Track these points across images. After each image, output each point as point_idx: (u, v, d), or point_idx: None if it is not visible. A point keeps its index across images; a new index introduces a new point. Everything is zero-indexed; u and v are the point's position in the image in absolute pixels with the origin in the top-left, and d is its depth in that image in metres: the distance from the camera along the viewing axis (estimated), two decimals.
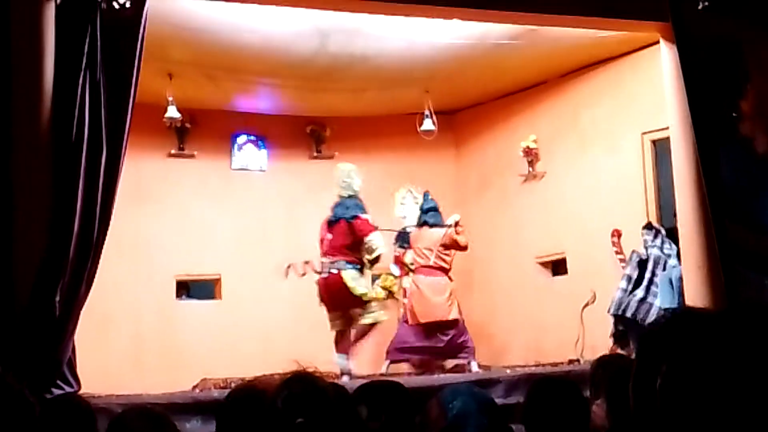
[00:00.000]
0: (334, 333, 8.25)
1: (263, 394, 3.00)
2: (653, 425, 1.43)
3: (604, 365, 4.20)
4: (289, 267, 8.52)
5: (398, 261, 9.20)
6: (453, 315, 8.50)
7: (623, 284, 8.04)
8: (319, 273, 8.15)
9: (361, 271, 8.17)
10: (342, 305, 8.11)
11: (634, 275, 8.06)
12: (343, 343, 8.12)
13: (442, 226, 8.75)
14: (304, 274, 8.43)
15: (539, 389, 3.42)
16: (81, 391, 6.40)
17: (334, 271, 8.03)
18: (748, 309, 1.49)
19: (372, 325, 8.23)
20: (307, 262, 8.38)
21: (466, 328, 8.59)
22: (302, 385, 2.63)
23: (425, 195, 9.07)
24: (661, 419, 1.41)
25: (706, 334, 1.42)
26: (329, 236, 8.17)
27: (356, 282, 8.07)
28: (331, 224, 8.23)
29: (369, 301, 8.16)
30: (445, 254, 8.72)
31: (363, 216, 8.17)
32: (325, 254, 8.18)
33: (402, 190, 9.69)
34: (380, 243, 8.19)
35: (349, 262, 8.07)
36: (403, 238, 9.32)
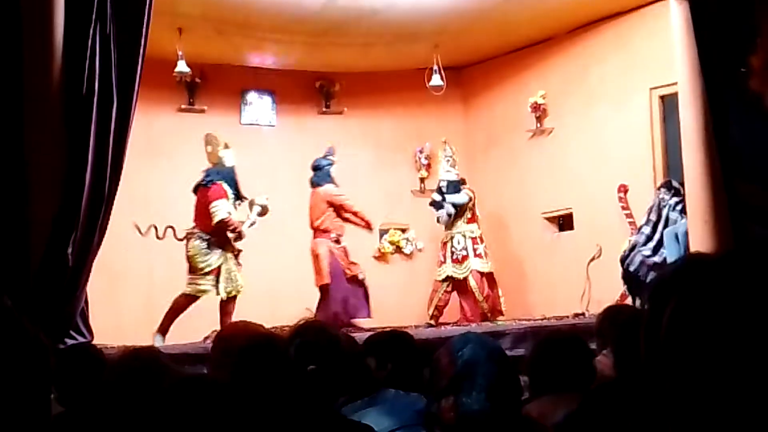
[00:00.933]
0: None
1: (278, 343, 3.05)
2: (662, 372, 1.45)
3: (610, 316, 4.26)
4: (150, 227, 8.42)
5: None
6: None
7: (641, 241, 8.06)
8: (180, 239, 8.16)
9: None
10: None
11: (647, 232, 8.10)
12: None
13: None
14: (161, 238, 8.36)
15: (544, 342, 3.46)
16: (94, 343, 6.53)
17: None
18: (756, 249, 1.50)
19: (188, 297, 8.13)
20: (170, 227, 8.32)
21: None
22: (314, 333, 2.66)
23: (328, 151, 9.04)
24: (667, 361, 1.43)
25: (712, 274, 1.44)
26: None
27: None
28: (194, 191, 8.22)
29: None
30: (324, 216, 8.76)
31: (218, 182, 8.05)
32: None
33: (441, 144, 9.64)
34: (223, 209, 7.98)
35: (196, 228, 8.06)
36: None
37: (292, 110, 10.37)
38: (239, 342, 3.05)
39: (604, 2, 8.63)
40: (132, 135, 6.22)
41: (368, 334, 4.47)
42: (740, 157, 7.02)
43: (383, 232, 10.66)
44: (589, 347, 3.47)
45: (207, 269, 8.01)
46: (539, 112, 9.84)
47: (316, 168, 8.97)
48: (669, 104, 8.48)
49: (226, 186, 8.05)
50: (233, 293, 8.15)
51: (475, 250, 9.10)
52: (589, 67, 9.39)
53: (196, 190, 8.17)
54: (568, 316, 8.69)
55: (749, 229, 6.89)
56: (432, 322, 9.01)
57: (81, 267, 6.00)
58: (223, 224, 7.93)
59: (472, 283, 8.97)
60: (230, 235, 8.05)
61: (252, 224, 8.30)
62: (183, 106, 9.80)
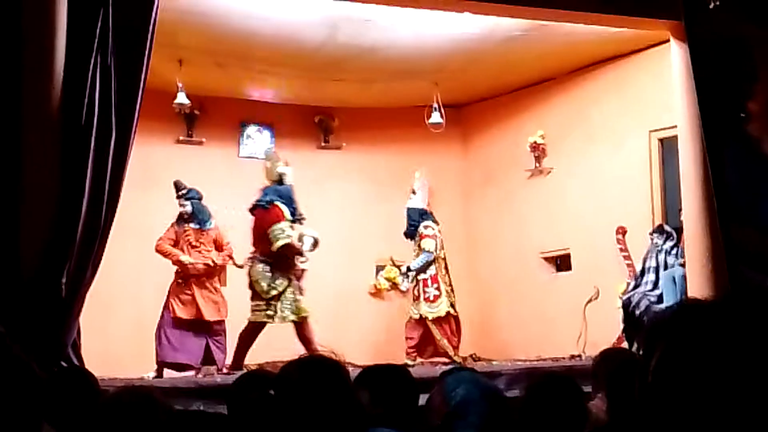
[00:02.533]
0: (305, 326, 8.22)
1: (268, 377, 3.01)
2: (651, 415, 1.44)
3: (606, 359, 4.22)
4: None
5: None
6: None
7: (648, 287, 8.04)
8: (240, 266, 8.12)
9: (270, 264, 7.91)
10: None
11: (652, 278, 8.09)
12: None
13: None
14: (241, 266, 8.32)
15: (537, 384, 3.42)
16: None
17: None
18: (748, 296, 1.50)
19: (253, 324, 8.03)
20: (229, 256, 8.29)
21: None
22: (319, 366, 2.62)
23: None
24: (655, 404, 1.42)
25: (704, 320, 1.43)
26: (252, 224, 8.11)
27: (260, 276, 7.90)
28: (250, 210, 8.15)
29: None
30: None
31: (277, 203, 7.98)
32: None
33: (417, 173, 9.62)
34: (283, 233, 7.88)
35: (255, 252, 7.98)
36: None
37: (290, 144, 10.37)
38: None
39: (604, 45, 8.66)
40: (130, 165, 6.20)
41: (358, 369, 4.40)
42: (737, 201, 7.02)
43: (379, 269, 10.62)
44: (582, 390, 3.43)
45: (273, 293, 7.89)
46: (538, 151, 9.85)
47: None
48: (668, 147, 8.49)
49: (283, 206, 7.96)
50: (303, 316, 8.03)
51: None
52: (588, 109, 9.41)
53: (253, 210, 8.04)
54: (564, 358, 8.64)
55: (744, 273, 6.87)
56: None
57: (74, 297, 5.95)
58: (287, 249, 7.86)
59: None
60: (295, 259, 7.98)
61: (304, 261, 8.13)
62: (181, 138, 9.81)
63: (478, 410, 2.52)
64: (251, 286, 7.91)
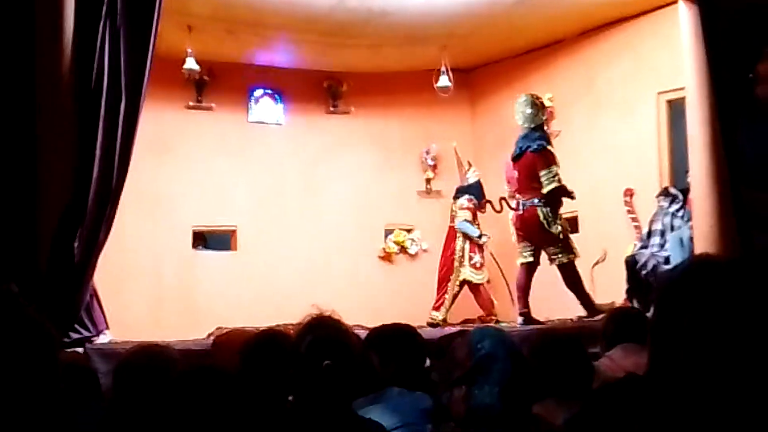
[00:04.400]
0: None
1: (285, 340, 3.05)
2: (673, 372, 1.45)
3: (615, 319, 4.27)
4: (486, 202, 8.61)
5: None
6: None
7: (656, 248, 8.08)
8: (515, 209, 8.07)
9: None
10: (536, 241, 8.03)
11: (659, 241, 8.12)
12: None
13: None
14: (500, 211, 8.50)
15: (540, 344, 3.46)
16: (104, 339, 6.55)
17: (529, 204, 7.92)
18: (760, 257, 1.51)
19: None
20: (502, 198, 8.32)
21: None
22: (326, 329, 2.65)
23: None
24: (678, 363, 1.43)
25: (722, 282, 1.44)
26: (516, 173, 8.03)
27: (548, 220, 7.88)
28: (516, 159, 8.05)
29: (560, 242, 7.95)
30: None
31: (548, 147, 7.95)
32: (516, 192, 8.08)
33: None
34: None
35: (539, 199, 7.88)
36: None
37: (299, 109, 10.39)
38: (237, 345, 3.06)
39: (612, 6, 8.63)
40: (140, 131, 6.24)
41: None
42: (747, 164, 7.02)
43: (389, 232, 10.68)
44: (585, 347, 3.47)
45: (558, 233, 7.91)
46: (546, 115, 9.83)
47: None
48: (676, 109, 8.47)
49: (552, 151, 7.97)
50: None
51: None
52: (596, 71, 9.39)
53: (517, 158, 8.01)
54: (572, 319, 8.68)
55: (754, 236, 6.88)
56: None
57: (87, 261, 6.02)
58: (560, 191, 7.90)
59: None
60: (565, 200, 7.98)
61: None
62: (191, 104, 9.83)
63: (502, 367, 2.57)
64: (542, 229, 7.86)
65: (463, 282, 9.16)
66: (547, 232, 7.86)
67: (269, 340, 3.11)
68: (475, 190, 9.33)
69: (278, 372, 2.93)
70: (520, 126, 8.09)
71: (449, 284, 9.16)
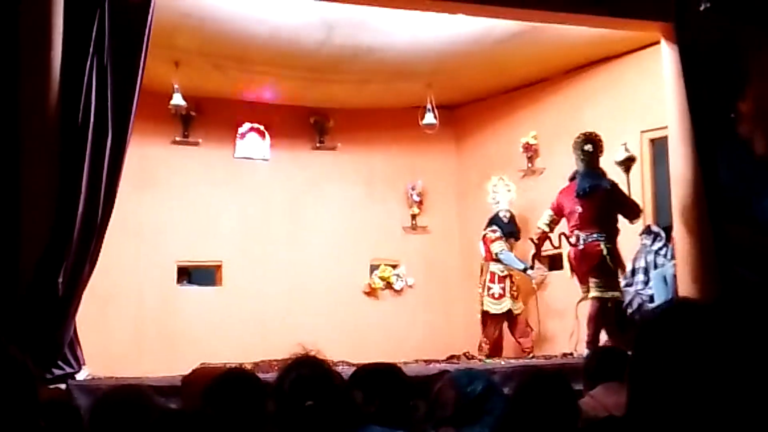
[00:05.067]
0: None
1: (252, 377, 3.04)
2: (650, 413, 1.46)
3: (598, 357, 4.28)
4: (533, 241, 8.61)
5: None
6: None
7: (639, 286, 8.13)
8: (574, 244, 8.09)
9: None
10: (592, 274, 8.00)
11: (643, 278, 8.18)
12: None
13: None
14: (558, 246, 8.56)
15: (527, 382, 3.46)
16: (82, 374, 6.51)
17: (591, 240, 7.96)
18: (741, 295, 1.53)
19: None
20: (563, 234, 8.35)
21: None
22: (310, 368, 2.65)
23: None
24: (658, 408, 1.44)
25: (701, 325, 1.46)
26: (579, 209, 8.04)
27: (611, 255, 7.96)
28: (584, 195, 8.06)
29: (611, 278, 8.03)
30: None
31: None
32: (575, 228, 8.08)
33: (494, 178, 9.83)
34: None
35: (600, 233, 7.95)
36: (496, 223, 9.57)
37: (286, 145, 10.42)
38: (203, 384, 3.05)
39: (596, 46, 8.73)
40: (126, 166, 6.25)
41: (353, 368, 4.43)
42: (728, 200, 7.08)
43: (374, 268, 10.68)
44: (572, 387, 3.47)
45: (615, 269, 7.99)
46: (530, 152, 9.92)
47: None
48: (659, 147, 8.55)
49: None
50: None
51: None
52: (580, 109, 9.46)
53: (586, 195, 8.01)
54: (556, 356, 8.68)
55: (736, 272, 6.93)
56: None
57: (71, 296, 5.99)
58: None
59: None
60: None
61: None
62: (177, 139, 9.84)
63: (492, 408, 2.59)
64: (602, 264, 7.88)
65: (485, 314, 9.24)
66: (605, 266, 7.89)
67: (231, 379, 3.10)
68: (500, 222, 9.56)
69: (241, 411, 2.92)
70: (579, 163, 8.18)
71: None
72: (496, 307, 9.31)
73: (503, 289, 9.36)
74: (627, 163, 8.22)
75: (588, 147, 8.13)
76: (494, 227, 9.53)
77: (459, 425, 2.53)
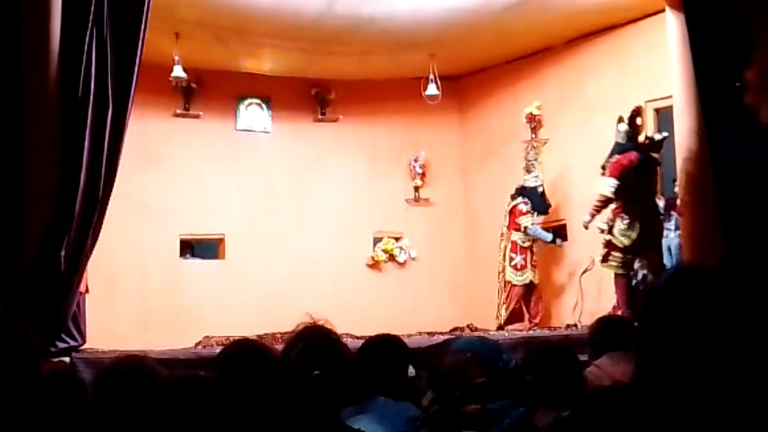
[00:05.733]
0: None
1: (261, 348, 3.03)
2: (658, 379, 1.44)
3: (602, 327, 4.26)
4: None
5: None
6: None
7: None
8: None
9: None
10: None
11: None
12: None
13: None
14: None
15: (533, 353, 3.46)
16: (87, 347, 6.53)
17: None
18: (746, 268, 1.52)
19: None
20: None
21: None
22: (317, 338, 2.63)
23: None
24: (666, 374, 1.43)
25: (707, 290, 1.44)
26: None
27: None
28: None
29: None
30: None
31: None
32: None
33: (526, 145, 9.68)
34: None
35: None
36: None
37: (287, 117, 10.39)
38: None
39: (600, 15, 8.66)
40: (127, 139, 6.22)
41: (359, 341, 4.43)
42: (735, 170, 7.03)
43: (377, 240, 10.68)
44: (578, 358, 3.47)
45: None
46: (534, 122, 9.86)
47: None
48: (664, 117, 8.50)
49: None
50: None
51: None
52: (585, 79, 9.41)
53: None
54: (560, 327, 8.70)
55: (742, 242, 6.90)
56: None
57: (73, 270, 5.99)
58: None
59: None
60: None
61: None
62: (178, 111, 9.81)
63: (525, 385, 2.60)
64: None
65: (507, 283, 9.23)
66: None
67: (244, 349, 3.09)
68: (533, 196, 9.42)
69: (255, 381, 2.91)
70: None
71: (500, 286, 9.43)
72: (518, 278, 9.29)
73: (525, 259, 9.32)
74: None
75: (638, 120, 8.22)
76: (525, 199, 9.41)
77: (489, 399, 2.50)
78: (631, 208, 7.98)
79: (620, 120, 8.20)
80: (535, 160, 9.50)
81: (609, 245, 8.10)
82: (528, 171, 9.51)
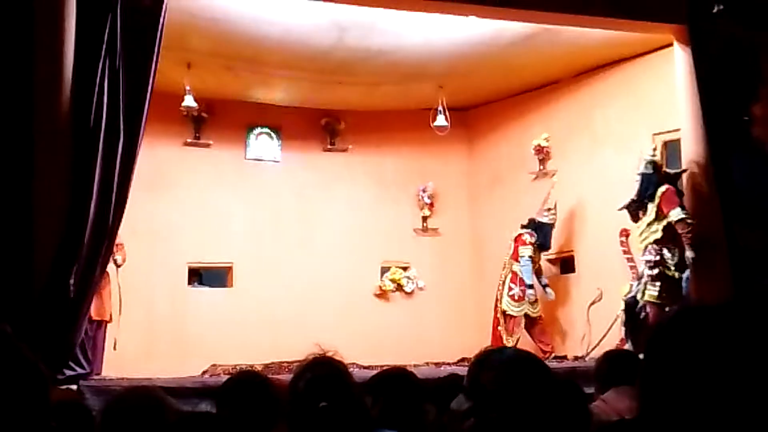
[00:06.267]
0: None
1: (263, 379, 3.04)
2: (662, 417, 1.45)
3: (609, 361, 4.25)
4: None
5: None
6: None
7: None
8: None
9: None
10: None
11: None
12: None
13: None
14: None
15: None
16: (93, 375, 6.54)
17: None
18: (752, 302, 1.51)
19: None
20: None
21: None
22: (326, 369, 2.64)
23: None
24: (670, 412, 1.43)
25: (714, 329, 1.44)
26: None
27: None
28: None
29: None
30: None
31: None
32: None
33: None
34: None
35: None
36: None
37: (296, 146, 10.43)
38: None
39: (608, 48, 8.70)
40: (137, 167, 6.27)
41: (366, 371, 4.43)
42: (741, 203, 7.04)
43: (385, 270, 10.68)
44: (584, 391, 3.46)
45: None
46: (542, 154, 9.88)
47: None
48: (671, 150, 8.52)
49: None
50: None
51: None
52: (592, 111, 9.44)
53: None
54: (568, 359, 8.67)
55: (749, 275, 6.89)
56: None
57: (82, 298, 6.02)
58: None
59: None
60: None
61: None
62: (189, 140, 9.86)
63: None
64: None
65: (503, 313, 9.23)
66: None
67: (245, 380, 3.10)
68: (540, 230, 9.38)
69: (255, 413, 2.91)
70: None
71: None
72: (514, 309, 9.26)
73: (523, 291, 9.28)
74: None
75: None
76: (532, 231, 9.38)
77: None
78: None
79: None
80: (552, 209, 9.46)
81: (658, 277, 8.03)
82: (548, 210, 9.43)
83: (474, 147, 11.01)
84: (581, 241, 9.47)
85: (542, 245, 9.39)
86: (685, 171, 7.99)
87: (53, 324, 5.75)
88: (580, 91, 9.60)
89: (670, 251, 7.82)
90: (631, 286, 8.29)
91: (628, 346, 7.72)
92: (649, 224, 8.14)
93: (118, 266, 7.89)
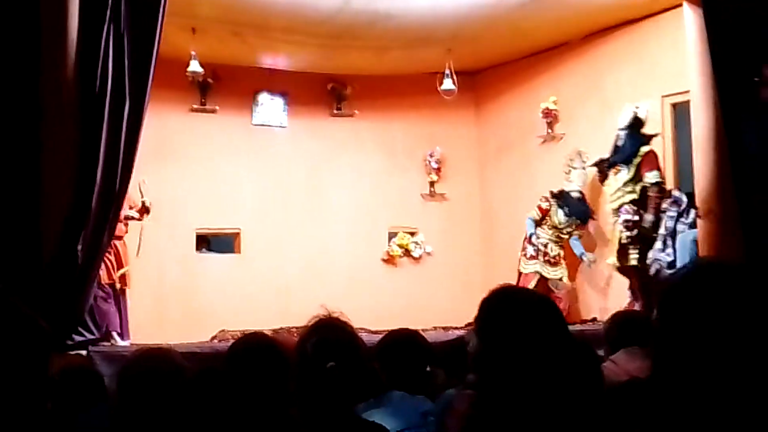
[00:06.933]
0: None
1: (271, 340, 3.04)
2: (675, 375, 1.44)
3: (618, 322, 4.24)
4: None
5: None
6: None
7: (659, 247, 8.10)
8: None
9: None
10: None
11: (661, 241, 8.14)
12: None
13: None
14: None
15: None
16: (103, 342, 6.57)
17: None
18: (764, 265, 1.51)
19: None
20: None
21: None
22: (332, 330, 2.63)
23: None
24: (683, 370, 1.42)
25: (725, 285, 1.43)
26: None
27: None
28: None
29: None
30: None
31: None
32: None
33: (573, 152, 9.36)
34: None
35: None
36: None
37: (303, 112, 10.39)
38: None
39: (617, 9, 8.61)
40: (143, 134, 6.25)
41: (374, 335, 4.43)
42: (753, 166, 6.99)
43: (392, 235, 10.67)
44: (596, 353, 3.45)
45: None
46: (550, 117, 9.82)
47: None
48: (680, 112, 8.46)
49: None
50: None
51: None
52: (601, 74, 9.37)
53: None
54: (577, 322, 8.68)
55: (761, 239, 6.86)
56: None
57: (90, 264, 6.04)
58: None
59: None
60: None
61: None
62: (195, 106, 9.83)
63: None
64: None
65: (519, 273, 9.28)
66: None
67: (251, 344, 3.10)
68: (568, 200, 9.25)
69: (267, 375, 2.92)
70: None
71: None
72: (525, 267, 9.27)
73: (536, 251, 9.26)
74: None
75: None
76: (547, 196, 9.28)
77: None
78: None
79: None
80: (576, 168, 9.24)
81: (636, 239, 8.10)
82: (567, 174, 9.30)
83: (482, 111, 10.95)
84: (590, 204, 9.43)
85: (576, 215, 9.20)
86: (657, 135, 8.12)
87: (62, 290, 5.77)
88: (588, 54, 9.51)
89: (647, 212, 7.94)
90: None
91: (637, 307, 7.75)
92: (626, 183, 8.17)
93: (146, 212, 7.97)
